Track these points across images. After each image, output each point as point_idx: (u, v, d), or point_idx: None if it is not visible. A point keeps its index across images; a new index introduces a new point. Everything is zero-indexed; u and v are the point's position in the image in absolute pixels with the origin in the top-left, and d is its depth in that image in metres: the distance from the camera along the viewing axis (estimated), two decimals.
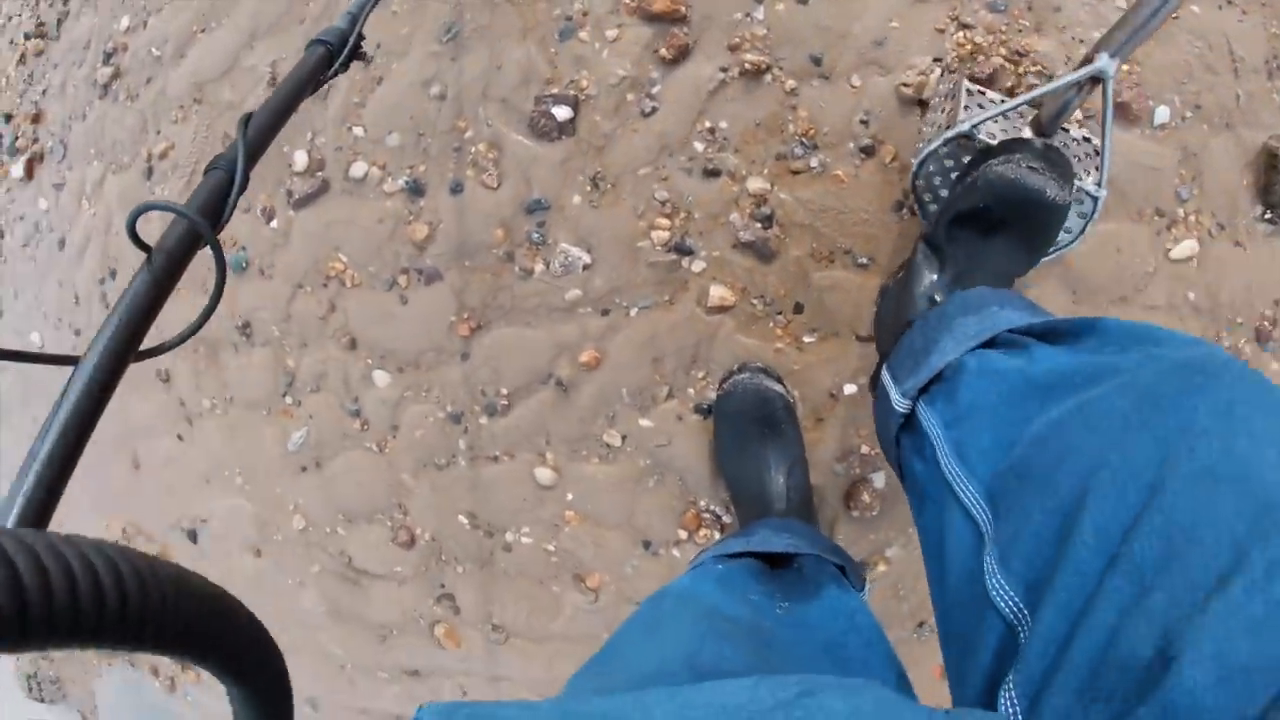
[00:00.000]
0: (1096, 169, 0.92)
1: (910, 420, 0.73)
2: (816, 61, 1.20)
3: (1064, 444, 0.47)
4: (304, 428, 1.55)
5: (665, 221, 1.22)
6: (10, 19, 2.05)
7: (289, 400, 1.54)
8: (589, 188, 1.23)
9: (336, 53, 0.80)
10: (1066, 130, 0.98)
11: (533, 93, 1.23)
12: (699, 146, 1.21)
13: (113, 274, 1.75)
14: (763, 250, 1.21)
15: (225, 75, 1.50)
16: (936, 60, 1.16)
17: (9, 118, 2.01)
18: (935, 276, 0.94)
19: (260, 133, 0.66)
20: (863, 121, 1.19)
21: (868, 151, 1.19)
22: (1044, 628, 0.40)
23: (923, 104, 1.17)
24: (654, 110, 1.21)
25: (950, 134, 0.93)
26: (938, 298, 0.91)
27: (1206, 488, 0.37)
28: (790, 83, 1.20)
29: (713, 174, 1.21)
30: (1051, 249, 0.98)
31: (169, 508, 1.84)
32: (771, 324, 1.23)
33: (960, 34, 1.16)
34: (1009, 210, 0.84)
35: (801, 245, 1.20)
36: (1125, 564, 0.37)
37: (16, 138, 1.95)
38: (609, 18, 1.22)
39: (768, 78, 1.21)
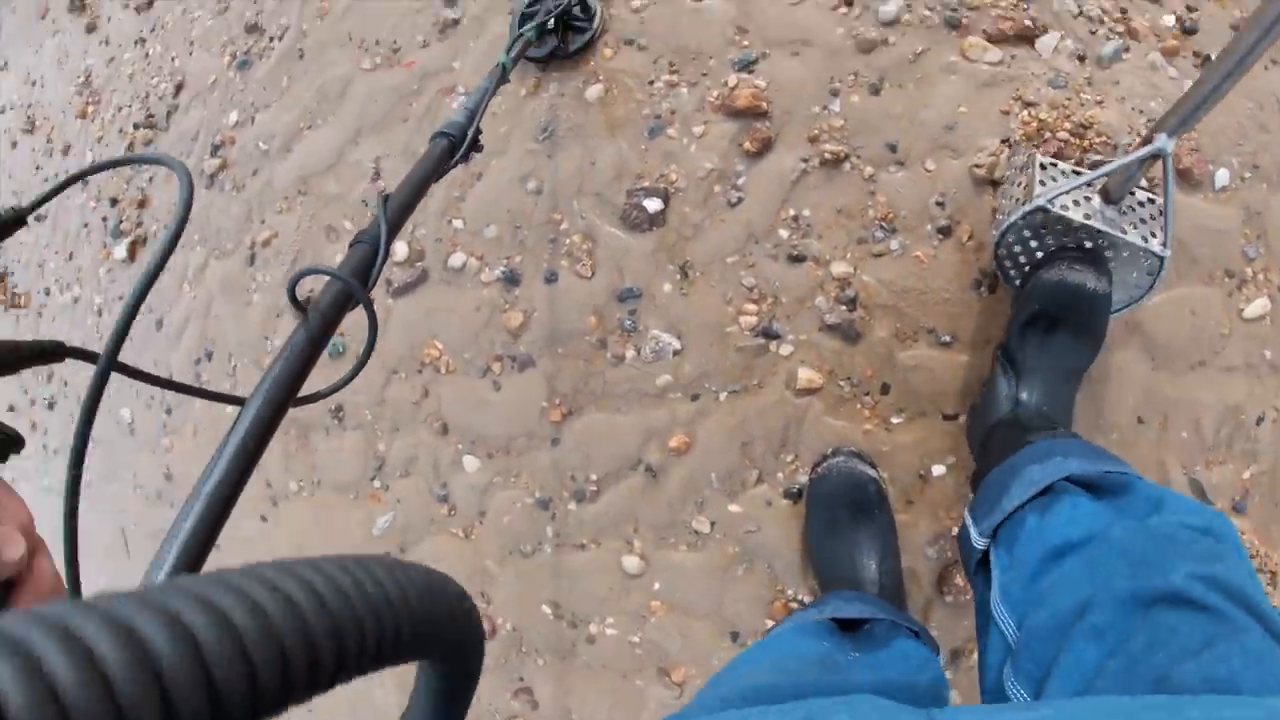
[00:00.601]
0: (1162, 229, 1.11)
1: (985, 556, 0.97)
2: (892, 149, 1.39)
3: (1071, 586, 0.76)
4: (390, 512, 1.73)
5: (753, 307, 1.38)
6: (120, 109, 2.42)
7: (377, 484, 1.73)
8: (679, 276, 1.41)
9: (458, 144, 1.00)
10: (1134, 194, 1.15)
11: (624, 186, 1.44)
12: (784, 234, 1.38)
13: (209, 355, 2.00)
14: (848, 332, 1.36)
15: (330, 169, 1.76)
16: (1004, 141, 1.34)
17: (115, 202, 2.35)
18: (1011, 382, 1.18)
19: (398, 211, 0.84)
20: (939, 203, 1.36)
21: (945, 232, 1.36)
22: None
23: (995, 183, 1.36)
24: (740, 200, 1.40)
25: (1027, 209, 1.13)
26: (1022, 396, 1.15)
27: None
28: (868, 170, 1.38)
29: (797, 260, 1.38)
30: (1126, 305, 1.18)
31: None
32: (859, 405, 1.36)
33: (1025, 113, 1.34)
34: (1060, 307, 1.12)
35: (886, 326, 1.36)
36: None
37: (121, 221, 2.28)
38: (695, 115, 1.43)
39: (846, 166, 1.39)
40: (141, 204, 2.27)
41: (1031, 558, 0.85)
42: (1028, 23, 1.40)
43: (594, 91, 1.52)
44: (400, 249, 1.62)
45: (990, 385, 1.23)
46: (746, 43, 1.47)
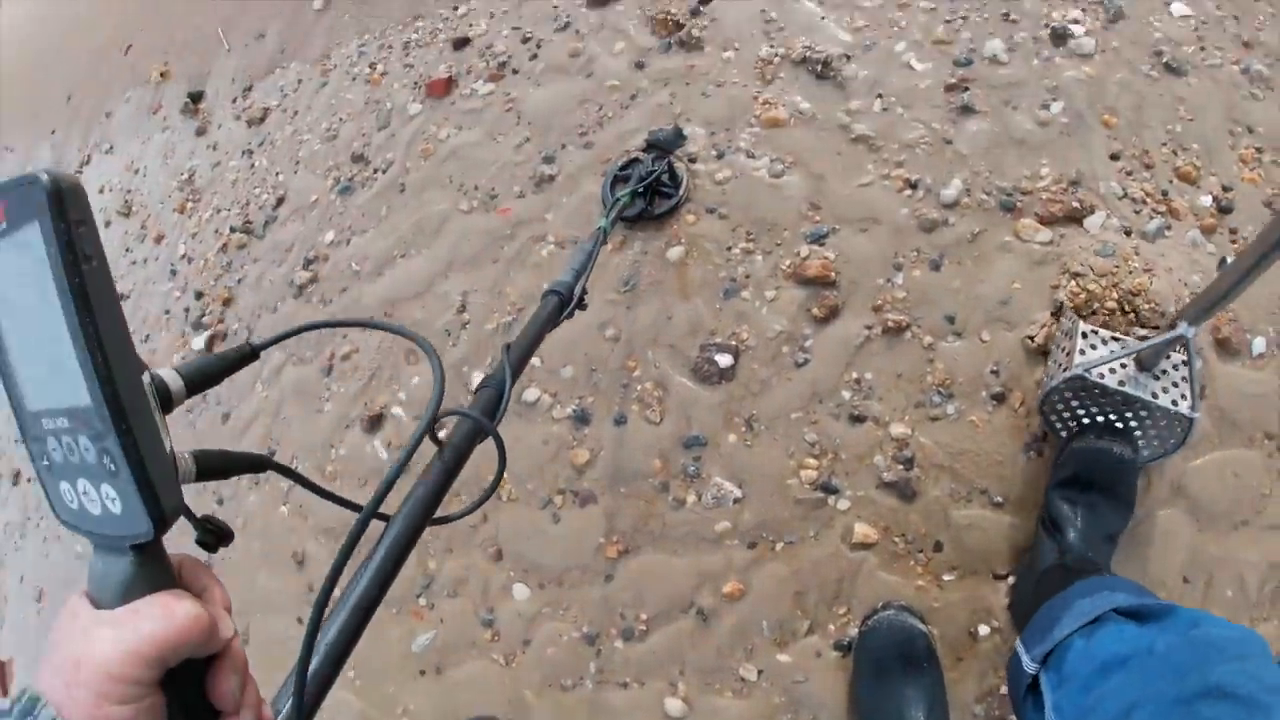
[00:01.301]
0: (1191, 393, 1.26)
1: (1034, 681, 1.06)
2: (950, 320, 1.53)
3: (1120, 694, 0.87)
4: (432, 630, 1.80)
5: (814, 462, 1.49)
6: (219, 211, 2.67)
7: (422, 601, 1.81)
8: (744, 428, 1.53)
9: (567, 301, 1.18)
10: (1169, 357, 1.30)
11: (698, 341, 1.59)
12: (846, 395, 1.51)
13: (271, 454, 2.13)
14: (904, 490, 1.47)
15: (418, 296, 1.95)
16: (1054, 314, 1.50)
17: (200, 295, 2.54)
18: (1054, 542, 1.29)
19: (518, 358, 0.98)
20: (993, 372, 1.50)
21: (999, 399, 1.48)
22: None
23: (1045, 353, 1.50)
24: (806, 361, 1.54)
25: (1067, 375, 1.29)
26: (1066, 549, 1.27)
27: None
28: (927, 338, 1.52)
29: (859, 419, 1.50)
30: (1159, 456, 1.33)
31: (267, 689, 2.08)
32: (912, 562, 1.45)
33: (1073, 283, 1.48)
34: (1092, 470, 1.29)
35: (941, 486, 1.46)
36: None
37: (204, 314, 2.48)
38: (768, 280, 1.60)
39: (907, 334, 1.53)
40: (227, 302, 2.47)
41: (1082, 673, 0.95)
42: (1075, 204, 1.58)
43: (675, 252, 1.70)
44: (477, 378, 1.77)
45: (1034, 549, 1.34)
46: (818, 218, 1.65)
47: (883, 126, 1.73)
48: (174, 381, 0.53)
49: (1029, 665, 1.07)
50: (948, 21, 1.85)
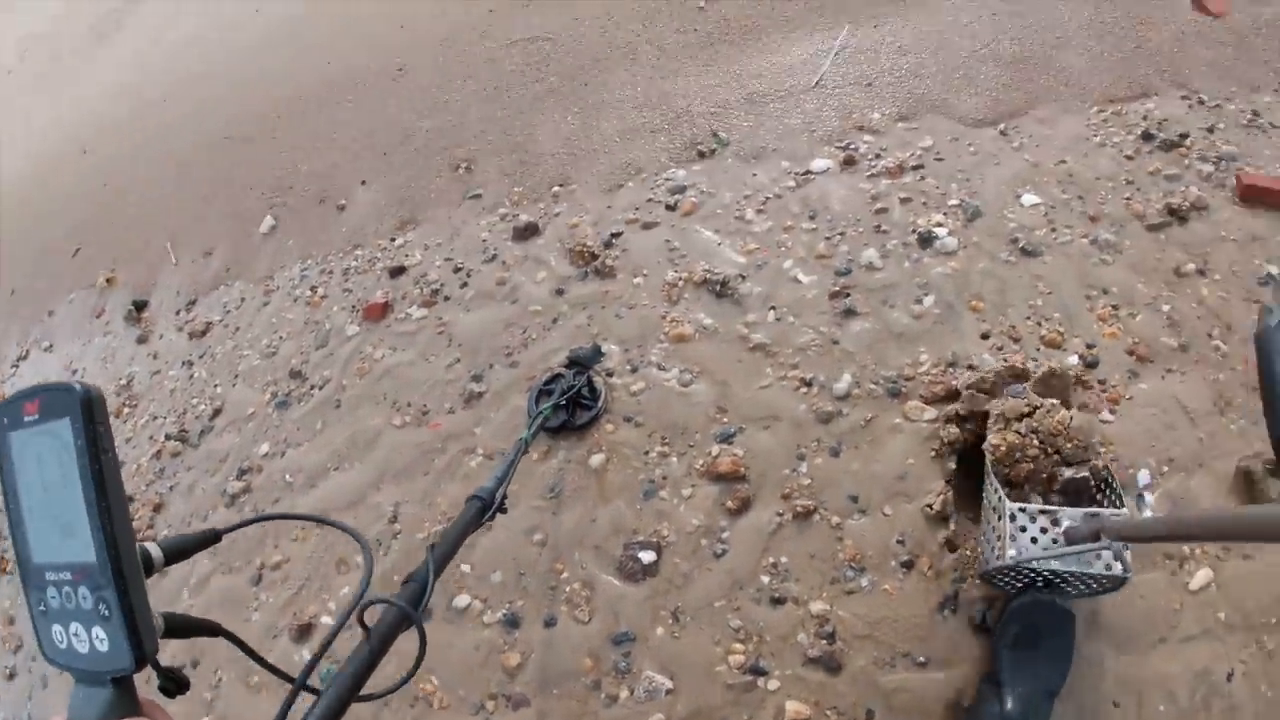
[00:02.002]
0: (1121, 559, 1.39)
1: None
2: (854, 499, 1.73)
3: None
4: None
5: (740, 646, 1.63)
6: (155, 418, 2.78)
7: None
8: (671, 620, 1.67)
9: (489, 505, 1.32)
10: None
11: (621, 541, 1.76)
12: (765, 579, 1.67)
13: (194, 664, 2.14)
14: (830, 664, 1.59)
15: (351, 507, 2.08)
16: (947, 482, 1.69)
17: (130, 500, 2.60)
18: (996, 704, 1.41)
19: (441, 557, 1.10)
20: (899, 541, 1.68)
21: (908, 566, 1.65)
22: None
23: (944, 518, 1.67)
24: (724, 551, 1.70)
25: (1002, 565, 1.43)
26: (1008, 711, 1.39)
27: None
28: (835, 519, 1.72)
29: (779, 601, 1.65)
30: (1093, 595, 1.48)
31: None
32: None
33: (994, 437, 1.66)
34: (1037, 623, 1.46)
35: (864, 655, 1.59)
36: None
37: (132, 519, 2.51)
38: (684, 479, 1.79)
39: (816, 517, 1.72)
40: (158, 508, 2.51)
41: None
42: (954, 384, 1.83)
43: (597, 459, 1.89)
44: None
45: (977, 708, 1.45)
46: (726, 419, 1.88)
47: (777, 334, 2.01)
48: (156, 552, 0.68)
49: None
50: (827, 238, 2.19)
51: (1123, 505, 1.47)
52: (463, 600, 1.83)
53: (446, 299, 2.44)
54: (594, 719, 1.65)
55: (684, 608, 1.69)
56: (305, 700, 0.81)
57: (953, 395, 1.83)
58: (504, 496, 1.37)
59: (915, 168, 2.39)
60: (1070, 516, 1.43)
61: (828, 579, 1.66)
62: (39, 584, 0.62)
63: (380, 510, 2.07)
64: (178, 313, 3.19)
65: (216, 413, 2.63)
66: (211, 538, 0.79)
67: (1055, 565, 1.41)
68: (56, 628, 0.61)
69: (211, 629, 0.74)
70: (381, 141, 3.27)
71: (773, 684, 1.59)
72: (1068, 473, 1.61)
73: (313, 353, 2.56)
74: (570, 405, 1.94)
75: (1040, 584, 1.49)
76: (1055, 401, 1.69)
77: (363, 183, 3.12)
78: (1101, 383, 1.86)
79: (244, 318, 2.92)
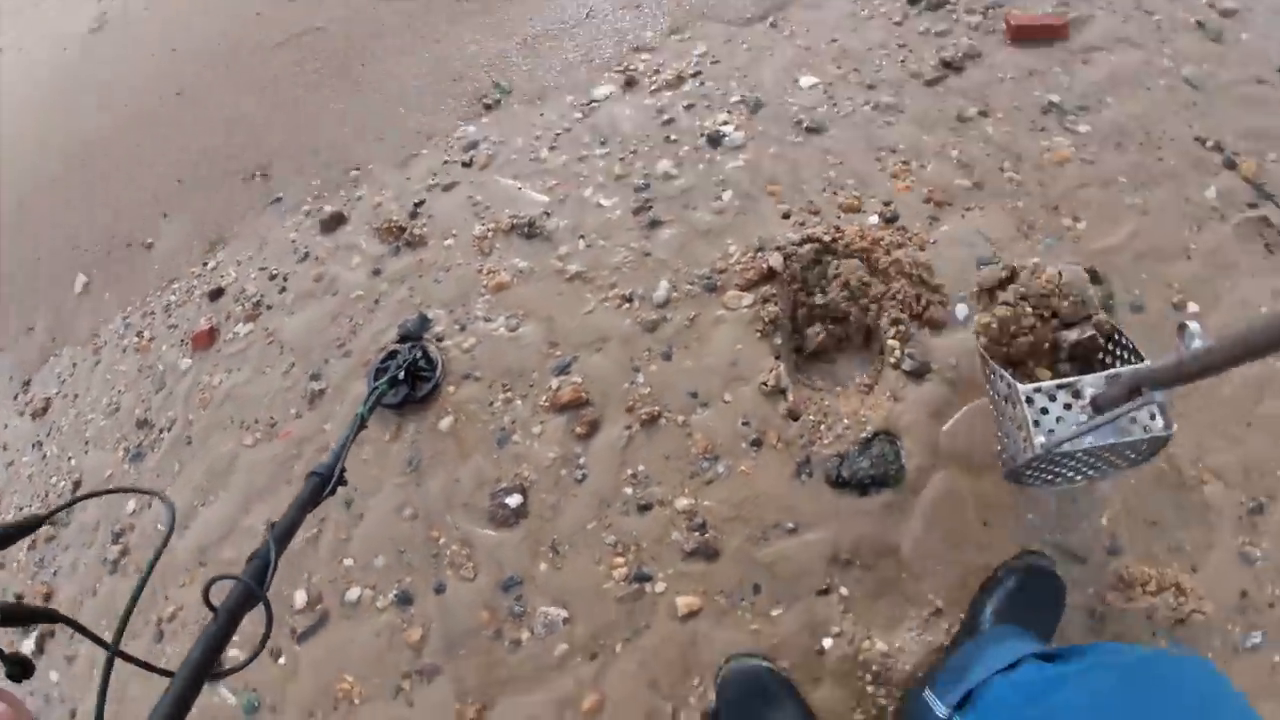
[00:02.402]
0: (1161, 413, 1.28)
1: None
2: (694, 395, 1.80)
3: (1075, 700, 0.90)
4: None
5: (620, 560, 1.68)
6: (20, 508, 2.63)
7: None
8: (551, 554, 1.71)
9: (327, 480, 1.30)
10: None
11: (487, 492, 1.78)
12: (629, 490, 1.72)
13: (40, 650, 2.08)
14: (708, 552, 1.66)
15: (226, 538, 2.04)
16: (776, 357, 1.76)
17: (20, 598, 2.48)
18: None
19: (281, 534, 1.09)
20: (745, 423, 1.75)
21: (757, 444, 1.73)
22: None
23: (781, 391, 1.74)
24: (585, 476, 1.75)
25: (1031, 457, 1.30)
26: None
27: None
28: (680, 418, 1.78)
29: (646, 508, 1.71)
30: (1136, 463, 1.40)
31: None
32: (739, 612, 1.62)
33: (981, 318, 1.72)
34: (1028, 580, 1.47)
35: (737, 535, 1.67)
36: None
37: None
38: (532, 419, 1.82)
39: (662, 421, 1.78)
40: (47, 596, 2.37)
41: (1010, 702, 1.00)
42: (765, 266, 1.90)
43: (446, 423, 1.90)
44: (299, 597, 1.85)
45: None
46: (559, 352, 1.91)
47: (590, 260, 2.04)
48: None
49: (941, 711, 1.13)
50: (622, 159, 2.22)
51: (1142, 358, 1.37)
52: (354, 593, 1.82)
53: (269, 308, 2.37)
54: (504, 667, 1.67)
55: (560, 539, 1.72)
56: (163, 684, 0.83)
57: (766, 277, 1.91)
58: (342, 470, 1.36)
59: (694, 75, 2.44)
60: (1092, 384, 1.30)
61: (686, 475, 1.73)
62: None
63: (254, 532, 2.02)
64: (15, 397, 2.99)
65: (77, 485, 2.50)
66: (34, 523, 0.80)
67: (1089, 441, 1.25)
68: None
69: (50, 615, 0.75)
70: (175, 170, 3.10)
71: (660, 586, 1.65)
72: (1072, 335, 1.60)
73: (153, 397, 2.45)
74: (410, 378, 1.93)
75: (1075, 474, 1.42)
76: (1035, 261, 1.74)
77: (164, 215, 2.96)
78: (903, 229, 1.96)
79: (80, 383, 2.76)
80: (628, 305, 1.94)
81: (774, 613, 1.59)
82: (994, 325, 1.63)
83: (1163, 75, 2.27)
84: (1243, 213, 1.98)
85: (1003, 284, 1.76)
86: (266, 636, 0.93)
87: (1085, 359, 1.60)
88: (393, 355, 2.01)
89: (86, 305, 2.95)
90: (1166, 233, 1.94)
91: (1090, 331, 1.57)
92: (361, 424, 1.57)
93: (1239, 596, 1.55)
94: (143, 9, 4.27)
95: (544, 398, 1.86)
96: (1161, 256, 1.91)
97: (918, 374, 1.76)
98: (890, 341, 1.79)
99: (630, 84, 2.47)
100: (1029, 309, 1.63)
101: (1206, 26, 2.40)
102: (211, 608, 0.91)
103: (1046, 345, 1.63)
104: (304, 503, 1.24)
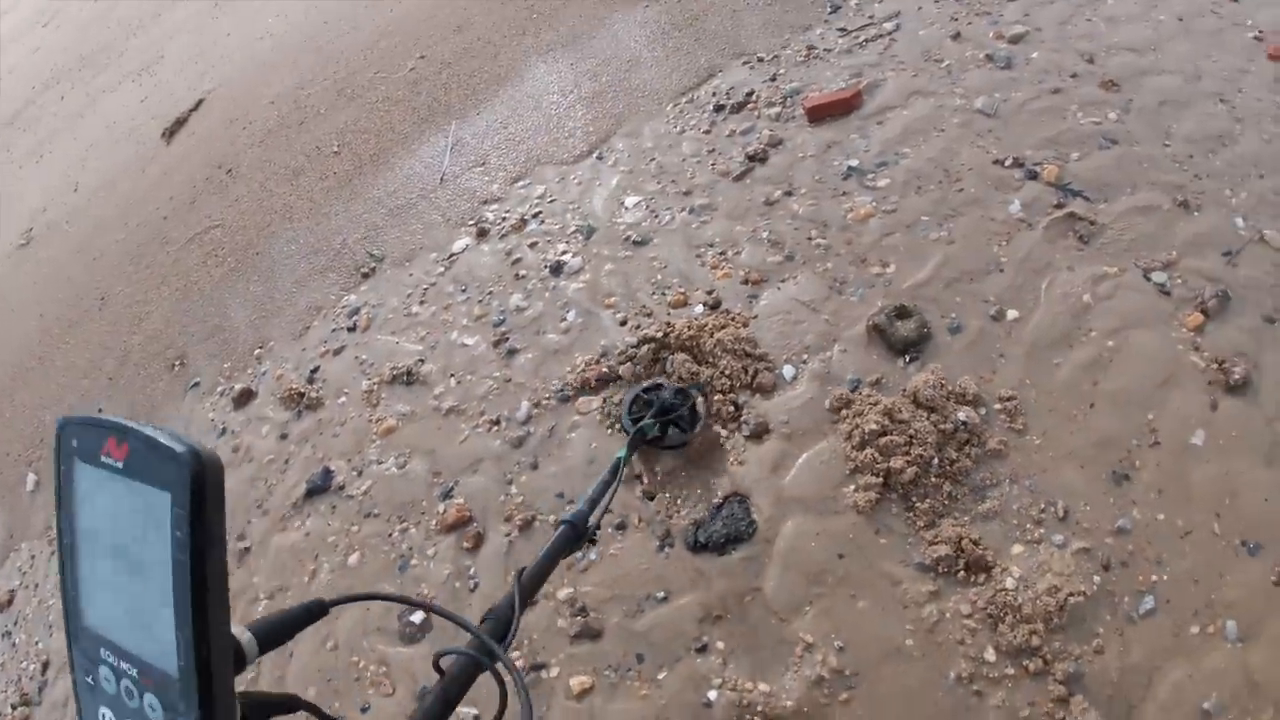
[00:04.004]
0: None
1: None
2: (560, 495, 2.00)
3: None
4: None
5: (516, 653, 1.83)
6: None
7: None
8: None
9: (579, 529, 1.18)
10: None
11: (395, 614, 1.93)
12: None
13: None
14: (591, 632, 1.82)
15: None
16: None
17: None
18: None
19: (528, 588, 0.97)
20: (608, 512, 1.91)
21: (622, 528, 1.92)
22: None
23: (637, 477, 1.94)
24: (477, 584, 1.94)
25: None
26: None
27: None
28: (551, 517, 1.98)
29: (532, 603, 1.86)
30: None
31: None
32: (627, 682, 1.77)
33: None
34: None
35: (616, 613, 1.83)
36: None
37: None
38: (426, 543, 2.01)
39: (536, 523, 1.98)
40: None
41: None
42: (607, 370, 2.12)
43: (354, 558, 2.08)
44: None
45: None
46: (442, 479, 2.11)
47: (461, 395, 2.27)
48: (250, 645, 0.59)
49: None
50: (480, 301, 2.47)
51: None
52: None
53: None
54: None
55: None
56: None
57: (609, 380, 2.13)
58: (597, 523, 1.23)
59: (535, 215, 2.73)
60: None
61: (563, 567, 1.88)
62: (90, 653, 0.53)
63: None
64: None
65: (45, 666, 2.57)
66: (317, 610, 0.69)
67: None
68: (105, 711, 0.53)
69: (289, 704, 0.65)
70: (104, 368, 3.28)
71: (553, 671, 1.77)
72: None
73: None
74: (664, 424, 1.93)
75: None
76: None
77: (99, 410, 3.12)
78: (728, 312, 2.18)
79: (39, 572, 2.85)
80: (496, 428, 2.15)
81: (659, 676, 1.70)
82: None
83: (956, 114, 2.47)
84: (1050, 215, 2.15)
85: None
86: (502, 710, 0.80)
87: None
88: (657, 388, 2.02)
89: (39, 501, 3.06)
90: (975, 254, 2.12)
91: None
92: (622, 470, 1.45)
93: (1120, 565, 1.66)
94: (65, 224, 4.51)
95: (434, 522, 2.05)
96: (973, 277, 2.08)
97: (756, 435, 1.96)
98: (718, 411, 2.00)
99: (482, 234, 2.74)
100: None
101: (995, 57, 2.62)
102: (440, 672, 0.82)
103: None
104: (555, 552, 1.10)
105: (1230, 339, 1.92)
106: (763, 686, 1.63)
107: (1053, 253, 2.11)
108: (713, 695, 1.65)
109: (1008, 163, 2.31)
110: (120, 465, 0.48)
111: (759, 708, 1.61)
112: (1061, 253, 2.11)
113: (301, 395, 2.48)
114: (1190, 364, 1.89)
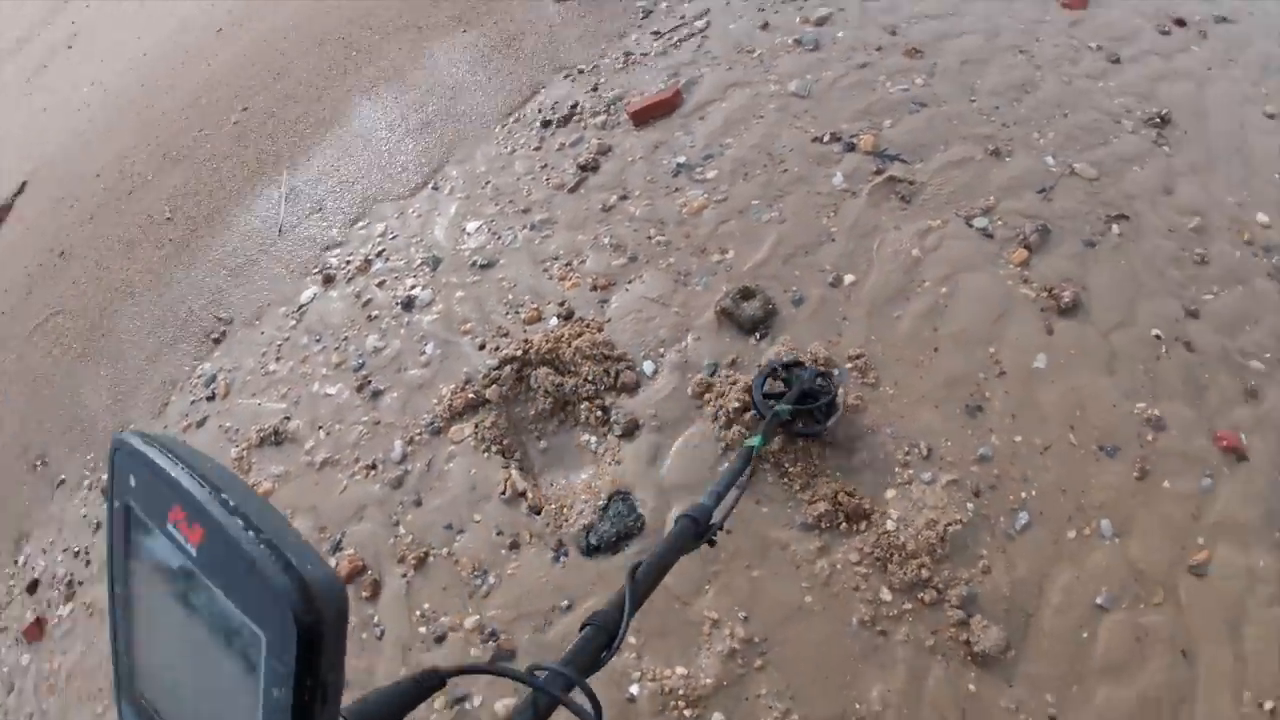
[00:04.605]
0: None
1: None
2: (449, 526, 1.92)
3: None
4: None
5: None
6: None
7: None
8: None
9: (700, 524, 1.01)
10: None
11: None
12: (422, 630, 1.83)
13: None
14: (505, 655, 1.76)
15: None
16: (505, 467, 1.93)
17: None
18: None
19: (643, 588, 0.83)
20: (498, 533, 1.88)
21: (514, 546, 1.86)
22: None
23: (521, 494, 1.90)
24: (383, 632, 1.86)
25: None
26: None
27: None
28: (444, 550, 1.90)
29: (441, 639, 1.80)
30: None
31: None
32: None
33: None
34: None
35: (525, 629, 1.77)
36: None
37: None
38: None
39: (430, 559, 1.90)
40: None
41: None
42: (472, 395, 2.07)
43: None
44: None
45: None
46: (328, 534, 1.99)
47: (333, 445, 2.14)
48: None
49: None
50: (336, 348, 2.36)
51: None
52: None
53: (81, 583, 2.33)
54: None
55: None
56: None
57: (478, 404, 2.10)
58: (723, 520, 1.04)
59: (379, 254, 2.60)
60: None
61: (466, 596, 1.83)
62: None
63: None
64: None
65: None
66: (436, 683, 0.54)
67: None
68: None
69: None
70: None
71: (476, 700, 1.72)
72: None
73: (6, 700, 2.37)
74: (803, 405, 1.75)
75: None
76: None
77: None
78: (581, 320, 2.17)
79: None
80: (373, 472, 2.05)
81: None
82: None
83: (772, 99, 2.52)
84: (871, 181, 2.23)
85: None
86: None
87: None
88: (794, 366, 1.85)
89: None
90: (806, 228, 2.17)
91: None
92: (754, 460, 1.23)
93: (989, 489, 1.73)
94: None
95: None
96: (808, 250, 2.14)
97: (628, 433, 1.95)
98: (587, 418, 1.99)
99: (329, 280, 2.59)
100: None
101: (804, 41, 2.69)
102: (535, 686, 0.68)
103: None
104: (672, 548, 0.96)
105: (1056, 267, 2.04)
106: (680, 670, 1.63)
107: (878, 216, 2.19)
108: (635, 690, 1.64)
109: (826, 139, 2.38)
110: (193, 552, 0.34)
111: (680, 691, 1.61)
112: (887, 214, 2.19)
113: None
114: (1022, 296, 2.00)
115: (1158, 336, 1.94)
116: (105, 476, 2.48)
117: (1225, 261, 2.08)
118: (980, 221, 2.16)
